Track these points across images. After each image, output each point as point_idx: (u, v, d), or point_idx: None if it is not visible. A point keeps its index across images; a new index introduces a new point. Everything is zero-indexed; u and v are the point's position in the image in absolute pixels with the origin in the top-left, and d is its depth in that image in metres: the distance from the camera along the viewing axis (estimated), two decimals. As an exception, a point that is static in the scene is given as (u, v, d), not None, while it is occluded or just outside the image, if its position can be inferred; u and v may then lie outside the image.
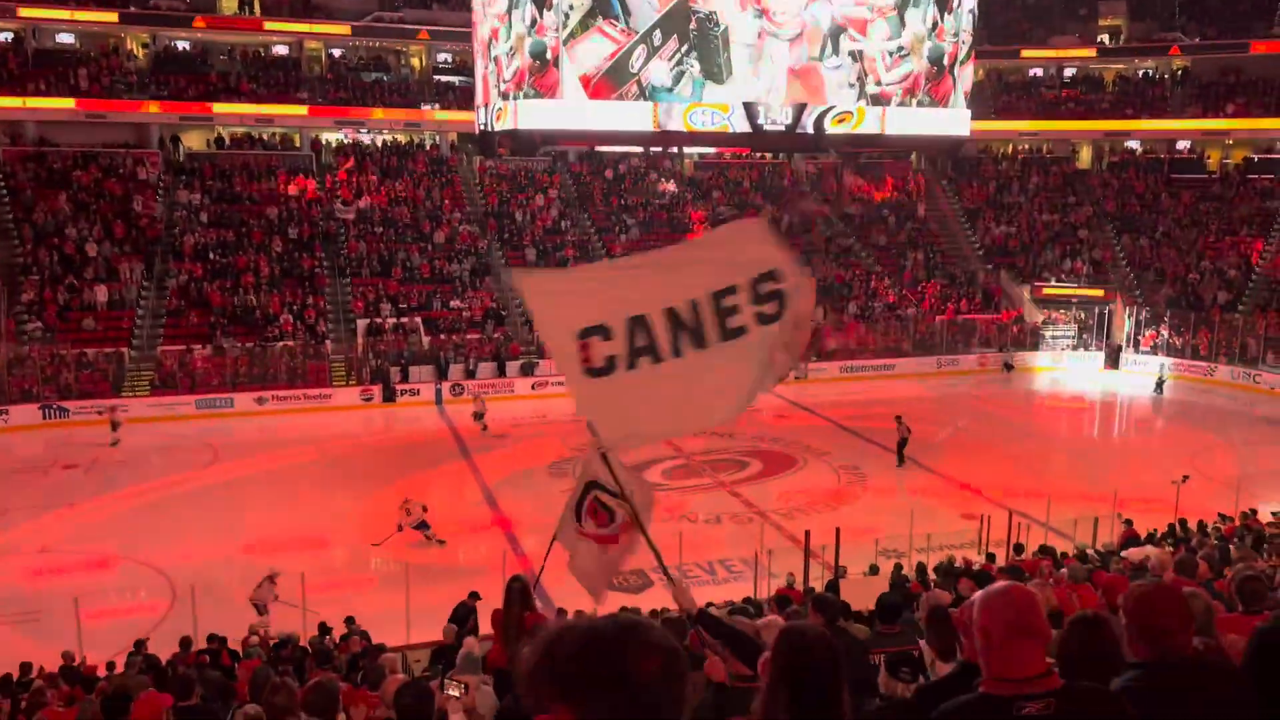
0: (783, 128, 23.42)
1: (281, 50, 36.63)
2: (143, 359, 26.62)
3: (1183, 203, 36.26)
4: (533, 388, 27.80)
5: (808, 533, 13.51)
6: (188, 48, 35.38)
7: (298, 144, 35.52)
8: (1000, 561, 12.92)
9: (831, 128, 25.00)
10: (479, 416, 23.76)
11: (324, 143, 35.51)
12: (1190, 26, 39.01)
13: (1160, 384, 29.05)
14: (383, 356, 27.58)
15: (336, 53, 37.09)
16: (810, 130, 23.85)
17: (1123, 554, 11.73)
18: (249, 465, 21.43)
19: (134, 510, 18.59)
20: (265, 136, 34.99)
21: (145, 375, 26.10)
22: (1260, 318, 30.14)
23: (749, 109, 22.89)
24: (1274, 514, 14.62)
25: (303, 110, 34.27)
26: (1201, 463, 21.11)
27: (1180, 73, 39.32)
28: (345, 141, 35.86)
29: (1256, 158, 37.81)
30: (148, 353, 26.76)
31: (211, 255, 29.28)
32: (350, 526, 17.69)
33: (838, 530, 13.79)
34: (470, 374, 27.78)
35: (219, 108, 33.35)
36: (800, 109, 23.45)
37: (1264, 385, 28.35)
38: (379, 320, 28.63)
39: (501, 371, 28.04)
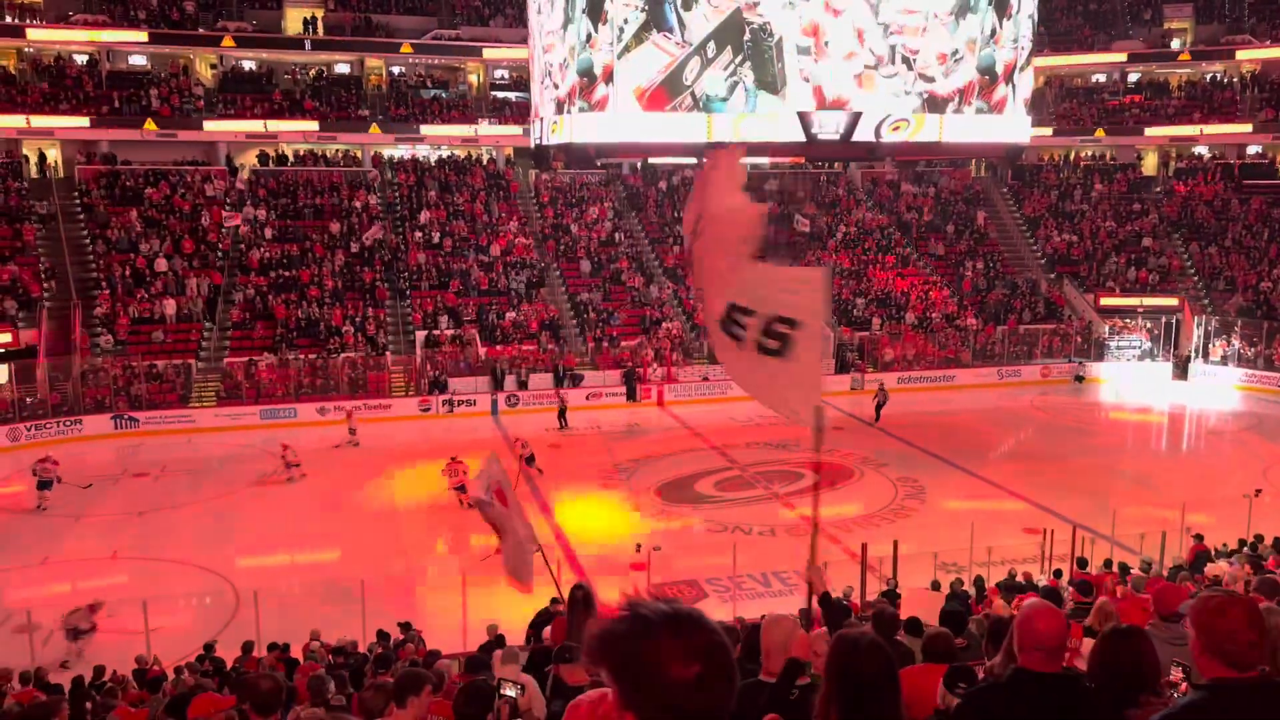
0: (837, 137, 23.24)
1: (343, 69, 37.43)
2: (209, 371, 27.33)
3: (1253, 209, 35.20)
4: (586, 398, 27.93)
5: (864, 545, 13.39)
6: (253, 68, 36.35)
7: (359, 159, 36.24)
8: (1066, 577, 12.62)
9: (888, 135, 24.74)
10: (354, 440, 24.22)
11: (384, 158, 36.16)
12: (1260, 28, 37.93)
13: (879, 408, 25.97)
14: (441, 368, 27.95)
15: (396, 70, 37.80)
16: (866, 139, 23.64)
17: (1205, 569, 11.35)
18: (310, 474, 21.82)
19: (200, 517, 19.06)
20: (328, 153, 35.75)
21: (211, 387, 26.78)
22: (1337, 327, 29.10)
23: (803, 118, 22.77)
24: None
25: (365, 128, 35.04)
26: (1275, 476, 20.42)
27: (1250, 75, 38.24)
28: (405, 157, 36.49)
29: (1332, 162, 36.58)
30: (214, 365, 27.47)
31: (276, 269, 29.98)
32: (407, 534, 17.92)
33: (895, 544, 13.63)
34: (523, 384, 28.01)
35: (283, 125, 34.19)
36: (855, 117, 23.28)
37: (1342, 397, 27.35)
38: (437, 332, 29.03)
39: (558, 383, 28.21)
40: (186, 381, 26.68)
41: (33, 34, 32.84)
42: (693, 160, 36.15)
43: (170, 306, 28.16)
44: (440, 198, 34.18)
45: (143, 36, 33.52)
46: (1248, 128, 36.96)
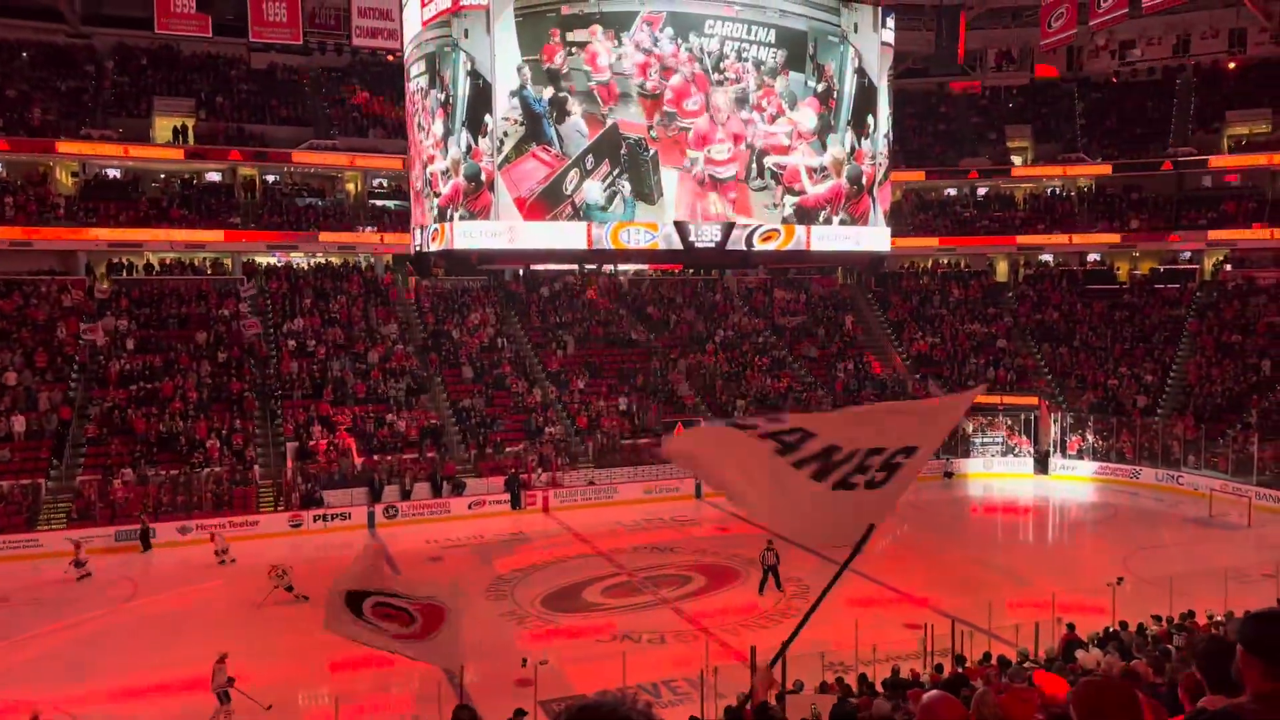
0: (713, 245, 24.08)
1: (214, 177, 36.79)
2: (60, 490, 25.56)
3: (1096, 312, 37.86)
4: (469, 508, 27.29)
5: (753, 649, 13.33)
6: (118, 175, 35.34)
7: (230, 268, 35.34)
8: (946, 672, 12.81)
9: (759, 245, 25.80)
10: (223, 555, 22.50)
11: (257, 266, 35.37)
12: (1092, 147, 41.56)
13: (774, 571, 19.97)
14: (313, 480, 26.90)
15: (270, 178, 37.37)
16: (739, 248, 24.54)
17: (1075, 655, 11.75)
18: (169, 599, 20.44)
19: (45, 651, 17.51)
20: (197, 261, 34.77)
21: (62, 507, 25.00)
22: (1178, 421, 31.23)
23: (680, 227, 23.51)
24: (1209, 615, 14.82)
25: (234, 236, 34.29)
26: (1134, 564, 21.45)
27: (1086, 190, 41.70)
28: (278, 265, 35.78)
29: (1162, 268, 39.89)
30: (66, 484, 25.72)
31: (137, 382, 28.57)
32: (278, 661, 16.86)
33: (784, 645, 13.58)
34: (406, 494, 27.23)
35: (149, 234, 33.13)
36: (729, 227, 24.20)
37: (1187, 486, 29.16)
38: (310, 443, 28.03)
39: (436, 492, 27.52)
40: (35, 502, 24.85)
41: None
42: (573, 267, 36.80)
43: (19, 423, 26.39)
44: (315, 304, 33.52)
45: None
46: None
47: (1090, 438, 32.44)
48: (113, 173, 35.34)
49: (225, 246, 34.75)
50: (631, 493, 28.74)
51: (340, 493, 26.80)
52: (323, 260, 36.49)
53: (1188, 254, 39.88)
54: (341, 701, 13.17)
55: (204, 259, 35.05)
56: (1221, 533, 25.24)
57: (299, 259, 36.44)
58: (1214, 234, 37.90)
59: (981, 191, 43.48)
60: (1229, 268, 38.20)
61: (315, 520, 25.98)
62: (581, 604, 19.68)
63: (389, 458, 28.10)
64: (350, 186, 38.27)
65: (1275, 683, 2.50)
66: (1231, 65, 41.13)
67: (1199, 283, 38.21)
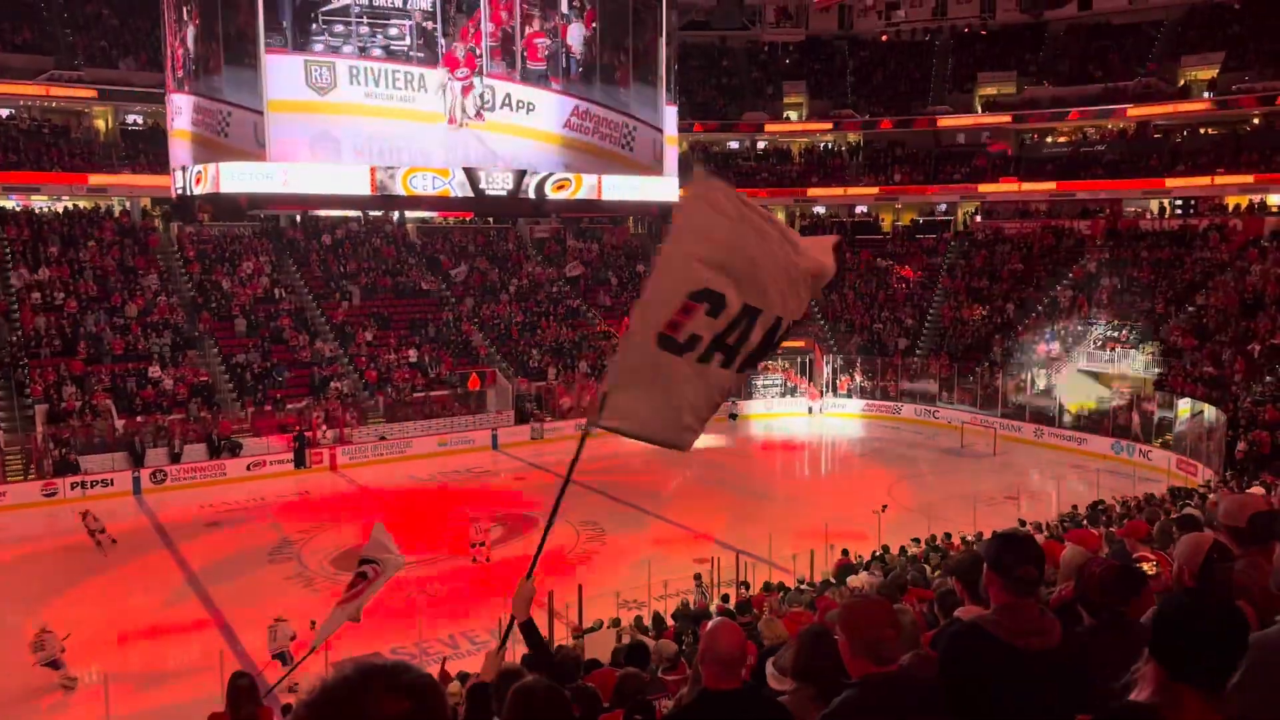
0: (504, 193, 23.77)
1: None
2: None
3: (863, 259, 40.40)
4: (248, 469, 25.90)
5: (551, 593, 13.51)
6: None
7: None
8: (733, 601, 13.51)
9: (552, 194, 25.69)
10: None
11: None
12: (860, 104, 43.96)
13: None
14: (68, 445, 24.63)
15: (5, 113, 33.35)
16: (531, 196, 24.37)
17: (847, 580, 12.69)
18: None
19: None
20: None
21: None
22: (934, 361, 34.04)
23: (470, 174, 23.05)
24: (963, 538, 16.36)
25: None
26: (897, 492, 23.34)
27: (855, 144, 44.16)
28: (15, 209, 32.09)
29: (921, 220, 43.02)
30: None
31: None
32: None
33: (580, 588, 13.90)
34: (175, 458, 25.45)
35: None
36: (521, 175, 23.95)
37: (942, 420, 31.94)
38: (63, 405, 25.59)
39: (212, 454, 25.91)
40: None
41: None
42: (357, 213, 35.25)
43: None
44: (62, 254, 30.39)
45: None
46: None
47: (858, 378, 34.80)
48: None
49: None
50: (426, 446, 28.22)
51: (100, 458, 24.70)
52: (70, 204, 33.07)
53: (944, 206, 43.18)
54: (111, 678, 12.27)
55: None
56: (971, 461, 27.88)
57: (41, 203, 32.84)
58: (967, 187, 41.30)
59: (761, 145, 45.12)
60: (979, 219, 41.70)
61: (73, 488, 23.84)
62: (374, 560, 19.21)
63: (154, 419, 26.11)
64: (100, 123, 34.78)
65: (1012, 596, 2.79)
66: (983, 31, 44.54)
67: (954, 233, 41.50)
